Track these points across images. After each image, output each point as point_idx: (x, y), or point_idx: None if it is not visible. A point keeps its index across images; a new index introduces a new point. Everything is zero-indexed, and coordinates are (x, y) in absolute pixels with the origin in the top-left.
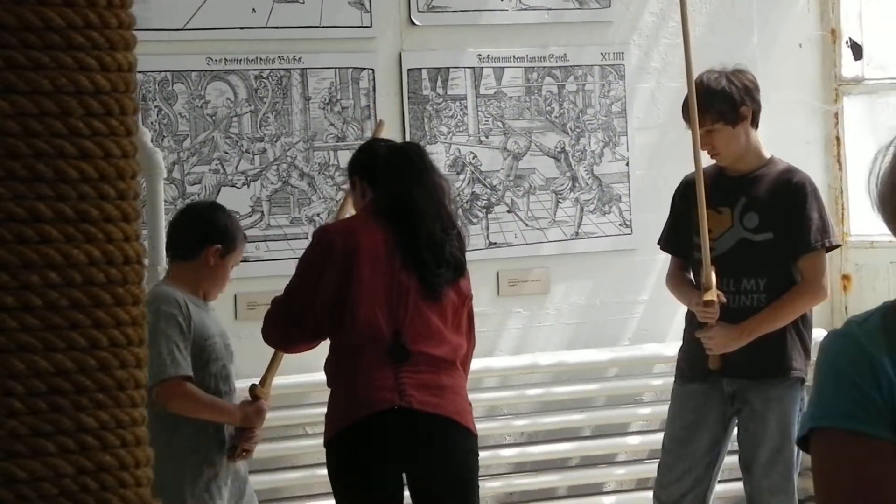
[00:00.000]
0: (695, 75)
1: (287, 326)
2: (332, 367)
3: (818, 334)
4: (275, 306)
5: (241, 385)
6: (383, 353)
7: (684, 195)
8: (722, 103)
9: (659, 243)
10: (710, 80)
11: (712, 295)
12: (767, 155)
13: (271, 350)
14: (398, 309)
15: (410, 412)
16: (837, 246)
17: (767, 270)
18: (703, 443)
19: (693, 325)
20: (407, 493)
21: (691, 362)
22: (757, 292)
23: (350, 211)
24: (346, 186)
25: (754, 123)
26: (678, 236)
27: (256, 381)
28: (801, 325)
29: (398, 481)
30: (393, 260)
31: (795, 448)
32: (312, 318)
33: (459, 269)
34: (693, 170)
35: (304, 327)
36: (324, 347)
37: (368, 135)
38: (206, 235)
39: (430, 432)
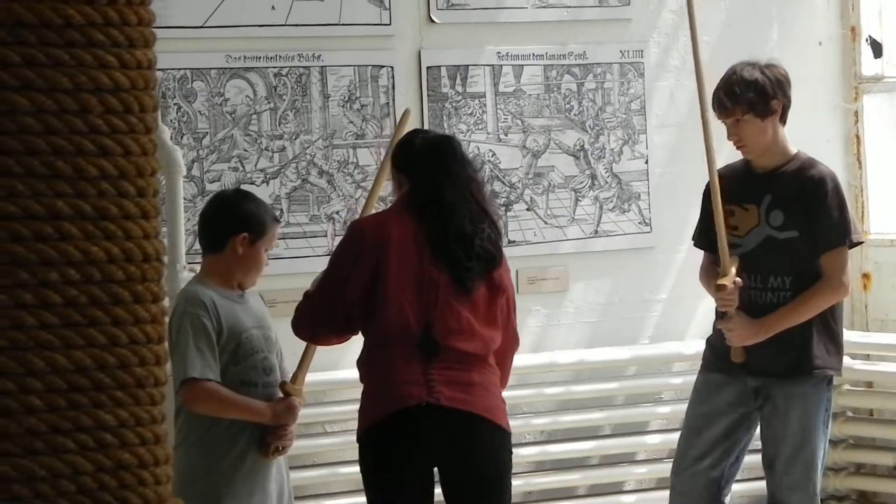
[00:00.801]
0: (708, 73)
1: (318, 319)
2: (364, 361)
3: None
4: (306, 299)
5: None
6: (413, 347)
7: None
8: (754, 94)
9: (693, 239)
10: (743, 70)
11: (727, 280)
12: (793, 151)
13: (297, 346)
14: (428, 303)
15: (439, 409)
16: (860, 243)
17: (793, 268)
18: (717, 431)
19: (720, 316)
20: (439, 489)
21: (717, 353)
22: (783, 290)
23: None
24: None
25: (783, 119)
26: (710, 233)
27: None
28: (832, 322)
29: (429, 478)
30: (422, 254)
31: (820, 447)
32: (344, 311)
33: (491, 261)
34: (719, 167)
35: (335, 321)
36: (345, 345)
37: (388, 132)
38: (231, 224)
39: (459, 429)
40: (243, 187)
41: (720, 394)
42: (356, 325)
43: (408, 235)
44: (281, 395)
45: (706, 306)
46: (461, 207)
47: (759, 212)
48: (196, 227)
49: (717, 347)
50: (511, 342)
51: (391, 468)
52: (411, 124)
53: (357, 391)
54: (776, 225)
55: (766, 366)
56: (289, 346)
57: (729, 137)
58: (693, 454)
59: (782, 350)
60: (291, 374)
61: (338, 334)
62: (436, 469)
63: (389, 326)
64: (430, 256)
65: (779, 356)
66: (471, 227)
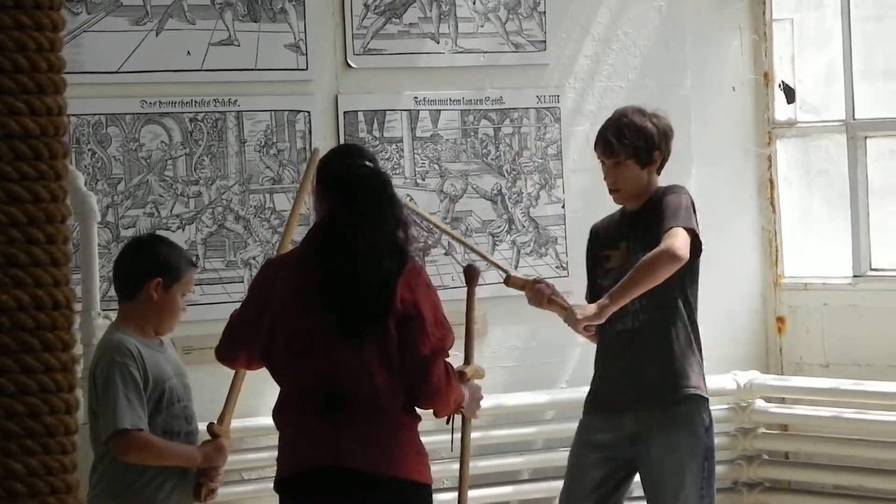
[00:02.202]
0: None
1: (231, 348)
2: (275, 412)
3: (753, 376)
4: (226, 327)
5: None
6: (316, 404)
7: (590, 243)
8: (642, 141)
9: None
10: (634, 115)
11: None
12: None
13: (216, 392)
14: (325, 358)
15: (344, 470)
16: (696, 236)
17: (648, 291)
18: (593, 477)
19: (599, 360)
20: None
21: (594, 394)
22: (636, 311)
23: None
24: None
25: (659, 171)
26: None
27: (203, 423)
28: (689, 347)
29: None
30: (310, 303)
31: (696, 488)
32: (254, 346)
33: (385, 290)
34: (606, 215)
35: (250, 347)
36: (262, 391)
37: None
38: (144, 270)
39: (365, 490)
40: (159, 233)
41: (596, 438)
42: (261, 363)
43: (299, 281)
44: (206, 438)
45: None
46: (364, 249)
47: (628, 248)
48: (111, 274)
49: (593, 389)
50: (417, 380)
51: None
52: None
53: (272, 439)
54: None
55: (631, 396)
56: (212, 390)
57: (606, 178)
58: (568, 501)
59: (643, 375)
60: (217, 416)
61: (246, 364)
62: None
63: (290, 381)
64: (317, 306)
65: (638, 383)
66: (366, 270)
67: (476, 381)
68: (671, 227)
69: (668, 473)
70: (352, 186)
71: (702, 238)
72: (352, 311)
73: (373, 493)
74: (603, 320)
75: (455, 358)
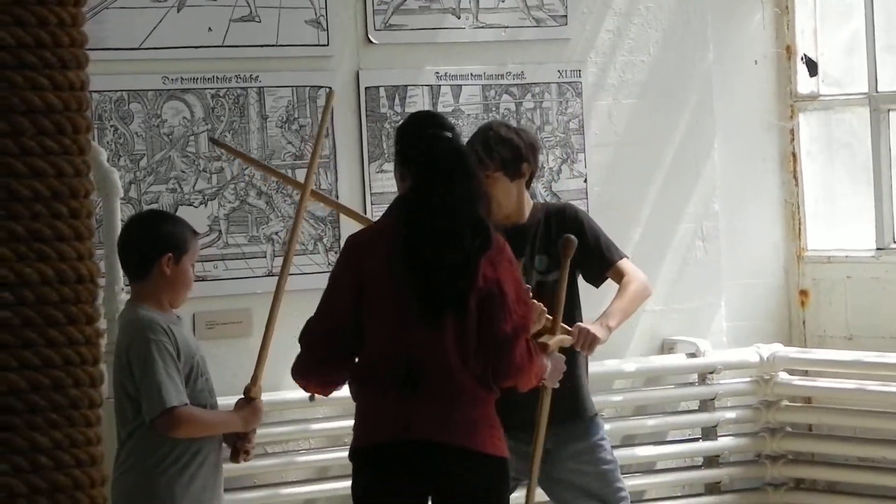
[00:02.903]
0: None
1: (321, 359)
2: (352, 382)
3: (776, 349)
4: (304, 340)
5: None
6: (392, 381)
7: None
8: (508, 153)
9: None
10: (500, 128)
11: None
12: (530, 203)
13: (238, 367)
14: (404, 333)
15: (415, 443)
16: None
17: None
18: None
19: None
20: None
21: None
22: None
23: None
24: None
25: (528, 184)
26: None
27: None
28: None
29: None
30: (396, 281)
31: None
32: (344, 340)
33: (467, 271)
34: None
35: (336, 354)
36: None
37: (327, 153)
38: (154, 248)
39: (437, 462)
40: (181, 209)
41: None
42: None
43: (385, 258)
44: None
45: (646, 322)
46: (445, 227)
47: (524, 263)
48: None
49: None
50: (498, 357)
51: (373, 497)
52: (344, 151)
53: (297, 412)
54: (542, 269)
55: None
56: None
57: None
58: None
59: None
60: (251, 378)
61: (340, 370)
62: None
63: (368, 352)
64: (403, 283)
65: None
66: (449, 250)
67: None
68: (620, 261)
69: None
70: (431, 163)
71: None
72: (434, 294)
73: (448, 464)
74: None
75: None
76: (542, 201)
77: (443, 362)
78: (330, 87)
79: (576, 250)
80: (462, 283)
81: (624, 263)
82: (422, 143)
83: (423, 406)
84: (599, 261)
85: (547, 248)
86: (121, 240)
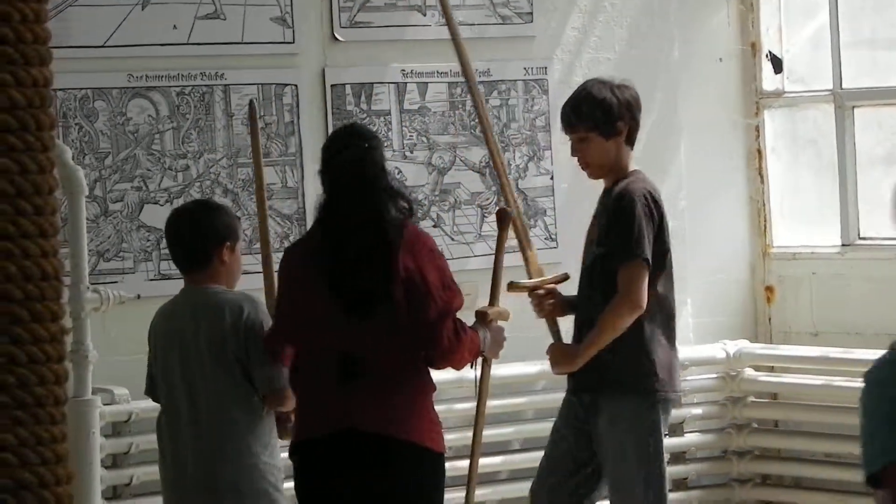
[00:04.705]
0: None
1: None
2: (290, 378)
3: (742, 345)
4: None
5: None
6: (329, 372)
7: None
8: (600, 112)
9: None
10: (592, 88)
11: (517, 288)
12: (631, 170)
13: None
14: (335, 329)
15: (357, 434)
16: (647, 261)
17: (603, 283)
18: (562, 448)
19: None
20: None
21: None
22: (600, 304)
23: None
24: None
25: (629, 141)
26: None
27: None
28: (647, 341)
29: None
30: (318, 279)
31: (640, 472)
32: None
33: (373, 265)
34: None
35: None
36: None
37: (293, 151)
38: (213, 239)
39: (378, 453)
40: (147, 207)
41: (563, 415)
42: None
43: (310, 259)
44: None
45: None
46: (349, 229)
47: (597, 228)
48: (99, 248)
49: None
50: (427, 343)
51: (313, 490)
52: (312, 150)
53: None
54: (594, 238)
55: (582, 380)
56: None
57: (573, 154)
58: (544, 471)
59: (590, 365)
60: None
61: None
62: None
63: (303, 350)
64: (325, 288)
65: (587, 371)
66: (355, 250)
67: (500, 323)
68: (624, 265)
69: (608, 441)
70: (330, 172)
71: (670, 248)
72: (348, 289)
73: (386, 456)
74: (575, 370)
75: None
76: (637, 175)
77: (379, 352)
78: (251, 100)
79: (608, 232)
80: (377, 277)
81: (621, 275)
82: (325, 153)
83: (361, 398)
84: (614, 253)
85: (602, 222)
86: (175, 234)
